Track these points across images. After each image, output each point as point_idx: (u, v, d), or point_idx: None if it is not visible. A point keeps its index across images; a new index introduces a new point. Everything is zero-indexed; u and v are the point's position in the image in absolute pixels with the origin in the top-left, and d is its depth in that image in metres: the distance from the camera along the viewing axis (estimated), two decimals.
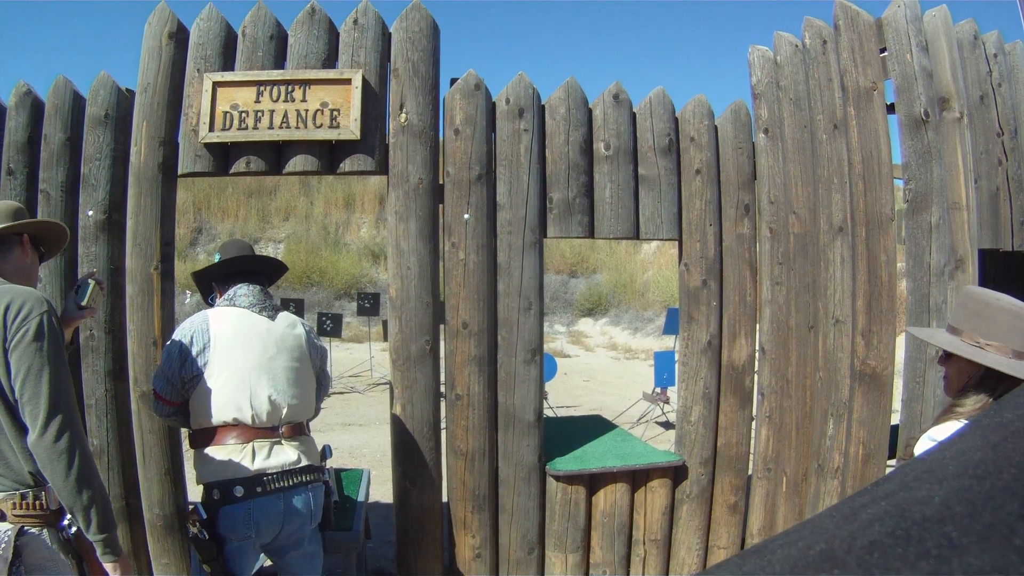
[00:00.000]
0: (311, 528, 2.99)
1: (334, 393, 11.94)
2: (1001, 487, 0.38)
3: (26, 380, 2.11)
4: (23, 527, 2.17)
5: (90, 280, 2.75)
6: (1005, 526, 0.35)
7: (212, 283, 3.19)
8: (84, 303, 2.71)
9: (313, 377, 3.15)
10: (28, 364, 2.11)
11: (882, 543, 0.37)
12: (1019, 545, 0.33)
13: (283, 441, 2.91)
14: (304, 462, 2.93)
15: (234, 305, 3.02)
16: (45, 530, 2.21)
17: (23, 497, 2.17)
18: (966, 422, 1.99)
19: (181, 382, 2.87)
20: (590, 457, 4.13)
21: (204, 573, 2.78)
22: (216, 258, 3.22)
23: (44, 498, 2.19)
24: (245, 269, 3.15)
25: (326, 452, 3.24)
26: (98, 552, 2.18)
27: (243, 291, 3.05)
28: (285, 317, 3.11)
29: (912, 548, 0.35)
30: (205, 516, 2.75)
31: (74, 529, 2.24)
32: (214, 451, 2.83)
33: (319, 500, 2.99)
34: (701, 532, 4.25)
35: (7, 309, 2.18)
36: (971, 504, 0.37)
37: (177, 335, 2.93)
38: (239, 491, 2.75)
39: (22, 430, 2.14)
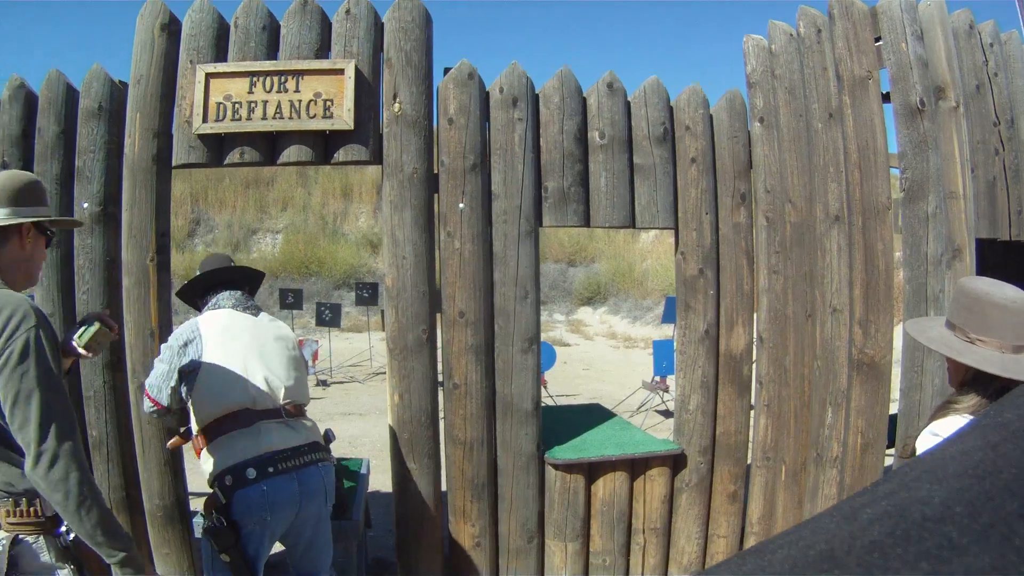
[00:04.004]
0: (328, 508, 3.06)
1: (334, 383, 11.99)
2: (1001, 487, 0.38)
3: (14, 408, 1.95)
4: (18, 535, 2.09)
5: (96, 321, 2.44)
6: (1005, 526, 0.35)
7: (197, 300, 3.36)
8: (82, 345, 2.39)
9: (304, 365, 3.27)
10: (15, 390, 1.94)
11: (882, 543, 0.37)
12: (1019, 545, 0.33)
13: (288, 421, 2.99)
14: (311, 439, 3.01)
15: (218, 307, 3.19)
16: (41, 537, 2.12)
17: (16, 504, 2.08)
18: (968, 416, 1.99)
19: (180, 376, 2.95)
20: (589, 446, 4.13)
21: (219, 564, 2.80)
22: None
23: (39, 505, 2.09)
24: (223, 280, 3.33)
25: (329, 436, 3.30)
26: (115, 574, 2.07)
27: (225, 294, 3.24)
28: (266, 316, 3.31)
29: (912, 548, 0.35)
30: (224, 501, 2.78)
31: (72, 535, 2.11)
32: (221, 440, 2.88)
33: (331, 478, 3.06)
34: (701, 521, 4.25)
35: None
36: (971, 504, 0.37)
37: (170, 338, 3.09)
38: (251, 473, 2.79)
39: (12, 442, 2.02)
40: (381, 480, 5.11)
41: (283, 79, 3.69)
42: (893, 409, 3.87)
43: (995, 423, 0.46)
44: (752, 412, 4.30)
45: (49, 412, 1.96)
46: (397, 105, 3.76)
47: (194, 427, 2.98)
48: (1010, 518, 0.35)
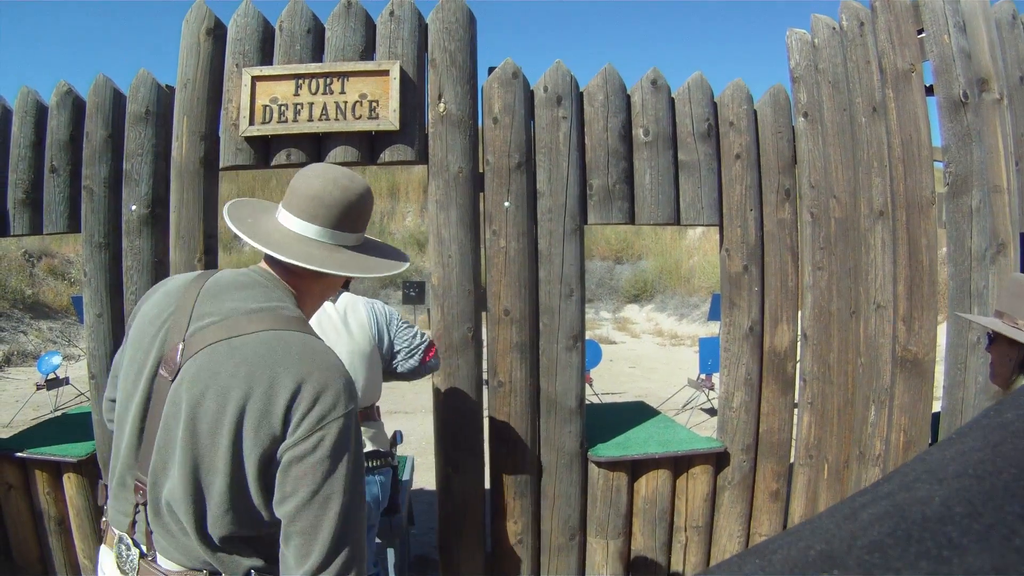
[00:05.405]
0: (377, 515, 3.06)
1: None
2: (1001, 487, 0.38)
3: (304, 508, 1.47)
4: None
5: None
6: (1005, 526, 0.35)
7: None
8: None
9: (379, 359, 3.14)
10: (313, 489, 1.47)
11: (882, 543, 0.37)
12: (1019, 545, 0.33)
13: None
14: (369, 447, 3.00)
15: None
16: None
17: None
18: None
19: None
20: (632, 443, 4.13)
21: None
22: None
23: None
24: None
25: (397, 438, 3.29)
26: None
27: None
28: (345, 299, 3.11)
29: (912, 548, 0.35)
30: None
31: None
32: None
33: (387, 486, 3.06)
34: (743, 519, 4.23)
35: (295, 396, 1.51)
36: (971, 504, 0.37)
37: None
38: None
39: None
40: (425, 478, 5.14)
41: (329, 81, 3.72)
42: (936, 407, 3.84)
43: (995, 423, 0.46)
44: (795, 410, 4.28)
45: (345, 528, 1.49)
46: (442, 105, 3.78)
47: None
48: (1010, 518, 0.35)
